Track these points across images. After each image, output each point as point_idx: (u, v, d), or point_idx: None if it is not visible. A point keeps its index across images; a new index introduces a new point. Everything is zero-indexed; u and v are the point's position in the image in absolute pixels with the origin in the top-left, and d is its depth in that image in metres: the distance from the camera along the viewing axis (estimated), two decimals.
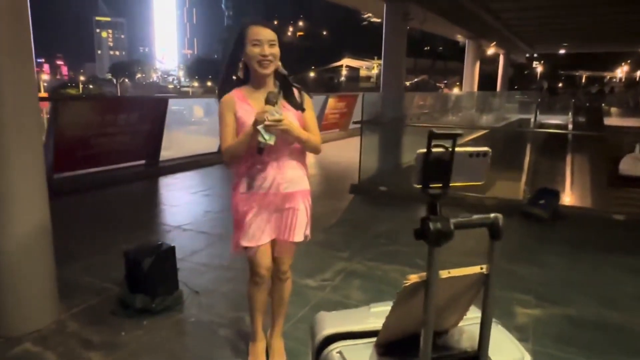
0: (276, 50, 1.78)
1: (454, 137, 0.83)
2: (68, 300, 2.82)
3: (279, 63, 1.82)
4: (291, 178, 1.91)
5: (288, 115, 1.81)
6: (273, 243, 2.00)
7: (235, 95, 1.85)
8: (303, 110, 1.88)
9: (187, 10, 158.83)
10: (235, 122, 1.84)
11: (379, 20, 9.01)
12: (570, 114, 19.88)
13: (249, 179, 1.90)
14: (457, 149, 0.85)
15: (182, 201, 5.57)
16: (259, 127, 1.67)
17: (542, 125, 18.30)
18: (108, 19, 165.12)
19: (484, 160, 0.89)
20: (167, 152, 7.95)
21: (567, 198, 6.02)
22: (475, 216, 0.93)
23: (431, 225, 0.87)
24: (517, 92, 29.98)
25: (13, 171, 2.35)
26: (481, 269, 0.98)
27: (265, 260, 1.99)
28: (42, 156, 2.55)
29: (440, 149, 0.86)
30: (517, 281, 3.22)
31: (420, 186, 0.89)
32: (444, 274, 0.93)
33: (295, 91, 1.90)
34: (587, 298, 3.03)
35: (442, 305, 0.97)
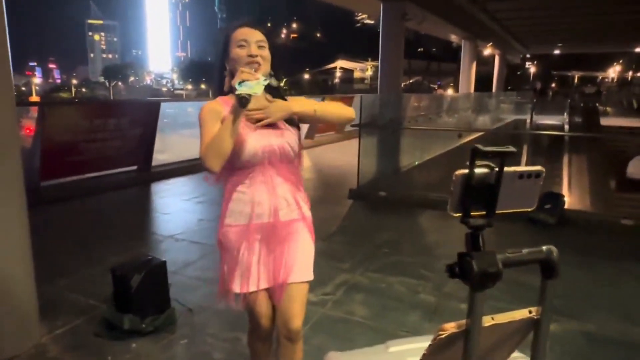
0: (266, 53, 1.49)
1: (503, 155, 0.65)
2: (49, 321, 2.62)
3: (270, 70, 1.51)
4: (291, 201, 1.54)
5: (279, 133, 1.50)
6: (274, 290, 1.55)
7: (220, 101, 1.52)
8: (298, 127, 1.57)
9: (180, 12, 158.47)
10: (219, 123, 1.45)
11: (372, 22, 8.85)
12: (565, 114, 19.85)
13: (237, 205, 1.50)
14: (506, 168, 0.68)
15: (175, 209, 5.37)
16: (237, 85, 1.32)
17: (538, 127, 18.27)
18: (100, 22, 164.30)
19: (536, 181, 0.72)
20: (162, 155, 7.76)
21: (572, 202, 5.87)
22: (526, 250, 0.76)
23: (474, 265, 0.70)
24: (512, 92, 29.96)
25: None
26: (530, 312, 0.81)
27: (265, 308, 1.57)
28: (20, 167, 2.36)
29: (485, 170, 0.68)
30: (527, 292, 3.05)
31: (459, 215, 0.71)
32: (487, 320, 0.76)
33: None
34: (605, 312, 2.87)
35: (482, 355, 0.80)
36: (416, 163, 7.95)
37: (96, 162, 6.09)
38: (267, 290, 1.55)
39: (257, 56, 1.46)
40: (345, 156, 5.95)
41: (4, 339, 2.30)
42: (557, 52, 28.42)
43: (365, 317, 2.76)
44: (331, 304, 2.90)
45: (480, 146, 0.64)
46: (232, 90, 1.45)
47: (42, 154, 5.36)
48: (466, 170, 0.67)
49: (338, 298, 2.99)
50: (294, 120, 1.55)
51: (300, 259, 1.54)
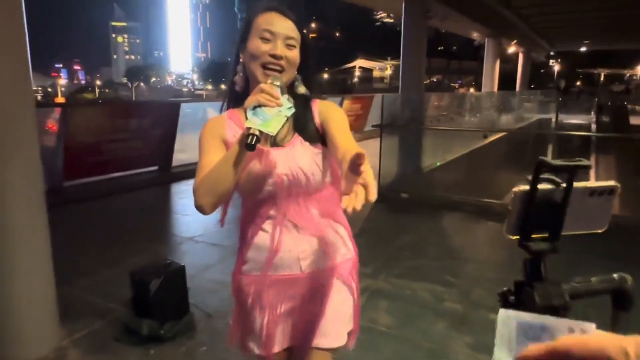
0: (295, 54, 1.13)
1: (573, 170, 0.56)
2: (70, 324, 2.60)
3: (296, 75, 1.17)
4: (319, 247, 1.17)
5: (299, 154, 1.13)
6: (296, 351, 1.26)
7: (226, 115, 1.20)
8: (323, 142, 1.16)
9: (200, 14, 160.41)
10: (222, 151, 1.12)
11: (392, 20, 8.72)
12: (592, 113, 19.26)
13: (251, 252, 1.19)
14: (575, 184, 0.58)
15: (194, 210, 5.27)
16: (249, 111, 1.00)
17: (563, 126, 17.77)
18: (124, 24, 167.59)
19: (609, 199, 0.62)
20: (183, 155, 7.78)
21: None
22: (595, 279, 0.66)
23: (537, 297, 0.60)
24: (536, 91, 29.28)
25: (7, 186, 2.13)
26: None
27: None
28: (40, 168, 2.33)
29: (549, 186, 0.59)
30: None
31: (518, 237, 0.62)
32: None
33: (315, 115, 1.18)
34: None
35: None
36: (438, 164, 7.79)
37: (117, 163, 6.12)
38: (289, 348, 1.27)
39: (282, 58, 1.10)
40: (366, 156, 5.82)
41: (25, 342, 2.28)
42: (583, 49, 27.64)
43: (390, 325, 2.66)
44: None
45: (546, 159, 0.55)
46: (243, 97, 1.13)
47: (65, 155, 5.41)
48: (527, 187, 0.57)
49: (361, 304, 2.89)
50: (313, 132, 1.15)
51: (330, 319, 1.19)
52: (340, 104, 10.94)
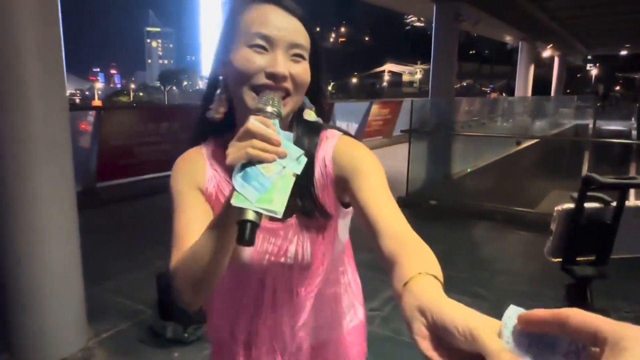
0: (303, 69, 0.74)
1: (624, 188, 0.49)
2: (97, 324, 2.64)
3: (304, 99, 0.78)
4: (325, 323, 0.93)
5: (300, 233, 0.80)
6: None
7: (207, 152, 0.85)
8: (329, 217, 0.80)
9: None
10: (202, 205, 0.81)
11: (422, 24, 8.59)
12: (633, 119, 18.46)
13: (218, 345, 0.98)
14: (626, 203, 0.52)
15: None
16: (236, 175, 0.60)
17: (601, 133, 17.08)
18: (158, 29, 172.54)
19: None
20: None
21: None
22: None
23: None
24: (572, 96, 28.32)
25: (40, 188, 2.18)
26: None
27: None
28: (71, 169, 2.38)
29: (597, 204, 0.53)
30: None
31: (561, 260, 0.56)
32: None
33: (317, 167, 0.78)
34: None
35: None
36: (469, 170, 7.60)
37: (149, 165, 6.25)
38: None
39: (285, 78, 0.71)
40: (394, 162, 5.73)
41: (54, 342, 2.32)
42: (623, 52, 26.57)
43: None
44: (379, 321, 2.75)
45: (594, 175, 0.49)
46: (228, 126, 0.80)
47: (99, 156, 5.57)
48: (572, 205, 0.52)
49: (386, 314, 2.83)
50: (310, 201, 0.77)
51: None
52: (369, 109, 10.86)
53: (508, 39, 16.14)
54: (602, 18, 12.81)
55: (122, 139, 5.89)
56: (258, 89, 0.71)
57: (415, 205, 5.46)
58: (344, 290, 0.94)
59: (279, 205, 0.58)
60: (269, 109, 0.65)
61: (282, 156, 0.60)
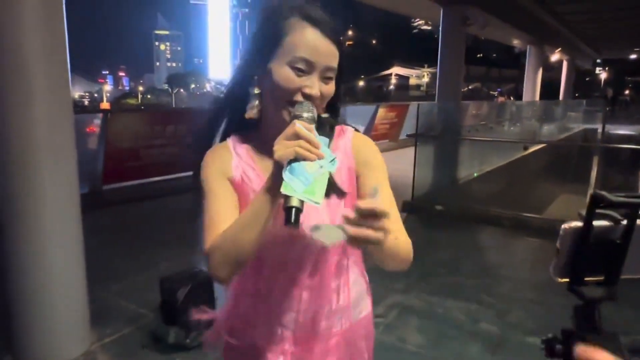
0: (331, 88, 0.87)
1: (635, 207, 0.47)
2: (100, 328, 2.64)
3: (323, 108, 0.89)
4: (336, 309, 0.98)
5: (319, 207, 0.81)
6: None
7: (234, 145, 0.94)
8: (343, 195, 0.89)
9: (240, 23, 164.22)
10: (231, 194, 0.91)
11: (430, 27, 8.55)
12: None
13: (241, 319, 1.00)
14: (638, 221, 0.49)
15: None
16: (285, 171, 0.72)
17: (611, 137, 16.89)
18: (166, 32, 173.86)
19: None
20: None
21: None
22: None
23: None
24: (581, 100, 28.09)
25: (44, 191, 2.18)
26: None
27: None
28: (76, 171, 2.37)
29: (606, 222, 0.51)
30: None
31: (567, 280, 0.54)
32: None
33: (337, 153, 0.88)
34: None
35: None
36: (475, 175, 7.55)
37: (155, 168, 6.27)
38: None
39: (318, 98, 0.84)
40: (400, 165, 5.68)
41: (57, 345, 2.32)
42: (633, 56, 26.33)
43: (420, 345, 2.55)
44: (383, 328, 2.72)
45: (603, 193, 0.47)
46: (256, 123, 0.92)
47: (105, 159, 5.60)
48: (580, 223, 0.49)
49: (390, 321, 2.80)
50: (335, 184, 0.86)
51: None
52: (375, 112, 10.83)
53: (516, 42, 16.06)
54: (612, 22, 12.70)
55: (129, 141, 5.92)
56: (293, 104, 0.83)
57: (421, 210, 5.42)
58: (359, 278, 1.03)
59: (319, 197, 0.71)
60: (306, 115, 0.78)
61: (321, 158, 0.72)
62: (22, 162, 2.12)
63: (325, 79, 0.85)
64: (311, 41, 0.83)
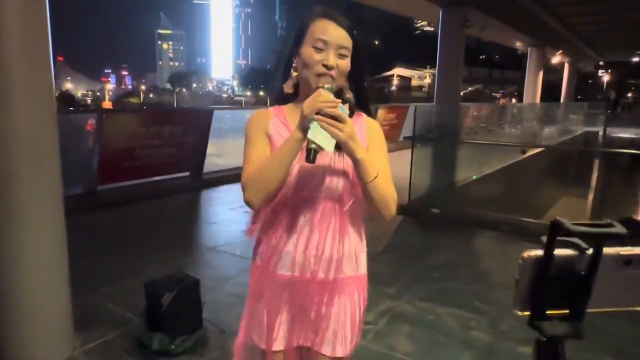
0: (346, 64, 1.16)
1: (601, 238, 0.42)
2: (85, 333, 2.59)
3: (345, 83, 1.18)
4: (335, 257, 1.20)
5: (336, 162, 1.17)
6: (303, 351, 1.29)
7: (273, 110, 1.26)
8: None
9: (242, 22, 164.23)
10: (267, 145, 1.20)
11: (432, 28, 8.49)
12: None
13: (268, 249, 1.24)
14: (604, 250, 0.45)
15: (221, 218, 5.34)
16: (312, 124, 1.03)
17: (612, 140, 16.79)
18: (169, 31, 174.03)
19: None
20: (219, 159, 7.86)
21: None
22: None
23: None
24: (582, 103, 27.96)
25: (26, 193, 2.14)
26: None
27: None
28: (59, 173, 2.32)
29: (570, 251, 0.46)
30: (600, 337, 2.64)
31: (528, 314, 0.49)
32: None
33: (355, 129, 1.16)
34: None
35: None
36: (474, 177, 7.49)
37: (150, 168, 6.23)
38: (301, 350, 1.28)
39: (333, 68, 1.13)
40: (397, 167, 5.56)
41: (37, 350, 2.28)
42: (635, 59, 26.21)
43: (409, 353, 2.49)
44: (372, 335, 2.67)
45: (563, 220, 0.42)
46: (292, 97, 1.25)
47: (100, 159, 5.55)
48: (540, 252, 0.45)
49: (380, 329, 2.75)
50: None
51: (336, 331, 1.23)
52: (375, 114, 10.77)
53: (517, 44, 15.99)
54: (614, 25, 12.63)
55: (124, 141, 5.87)
56: (317, 75, 1.14)
57: (418, 213, 5.37)
58: (355, 242, 1.26)
59: (330, 146, 1.02)
60: (327, 86, 1.08)
61: (337, 114, 1.02)
62: (2, 163, 2.08)
63: (340, 56, 1.15)
64: (325, 26, 1.15)
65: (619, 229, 0.42)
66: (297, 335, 1.25)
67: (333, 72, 1.13)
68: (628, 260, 0.46)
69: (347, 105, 1.07)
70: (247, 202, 1.13)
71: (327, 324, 1.22)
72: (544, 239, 0.44)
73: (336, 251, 1.20)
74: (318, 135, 1.01)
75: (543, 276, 0.45)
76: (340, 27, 1.16)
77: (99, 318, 2.81)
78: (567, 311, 0.48)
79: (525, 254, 0.45)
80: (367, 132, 1.23)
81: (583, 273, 0.45)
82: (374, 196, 1.12)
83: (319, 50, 1.14)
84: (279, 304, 1.24)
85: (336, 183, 1.17)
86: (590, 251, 0.46)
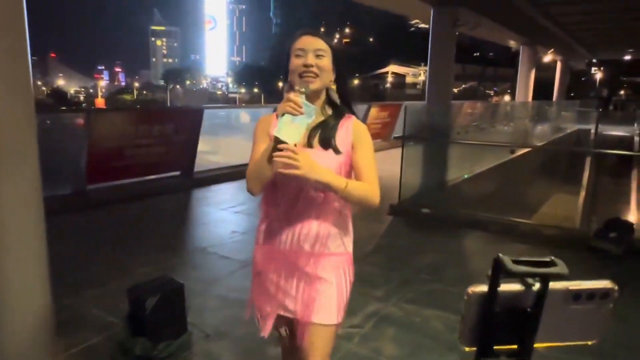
0: (325, 62, 1.37)
1: (545, 278, 0.41)
2: (68, 337, 2.57)
3: (331, 83, 1.42)
4: (319, 235, 1.42)
5: (319, 157, 1.35)
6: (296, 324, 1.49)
7: (275, 115, 1.44)
8: (338, 152, 1.40)
9: (237, 19, 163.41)
10: (267, 144, 1.39)
11: (427, 26, 8.49)
12: (636, 125, 18.26)
13: (267, 228, 1.49)
14: (552, 285, 0.43)
15: (211, 218, 5.32)
16: (279, 119, 1.26)
17: (604, 138, 16.86)
18: (163, 28, 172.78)
19: (602, 305, 0.46)
20: (214, 157, 7.80)
21: None
22: None
23: None
24: (575, 100, 28.08)
25: (2, 197, 2.10)
26: None
27: (283, 331, 1.56)
28: (38, 174, 2.27)
29: (517, 287, 0.44)
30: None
31: (474, 350, 0.47)
32: None
33: (341, 129, 1.42)
34: None
35: None
36: (465, 176, 7.49)
37: (140, 167, 6.18)
38: (291, 322, 1.51)
39: (312, 66, 1.35)
40: (389, 166, 5.53)
41: (16, 356, 2.25)
42: (627, 57, 26.33)
43: (394, 357, 2.50)
44: (358, 339, 2.66)
45: (505, 260, 0.40)
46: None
47: (89, 158, 5.49)
48: (485, 288, 0.43)
49: (366, 332, 2.74)
50: (329, 142, 1.40)
51: (321, 299, 1.42)
52: (367, 112, 10.75)
53: (510, 43, 16.01)
54: (605, 23, 12.67)
55: (113, 140, 5.81)
56: (301, 75, 1.36)
57: (408, 214, 5.37)
58: (340, 226, 1.46)
59: (290, 139, 1.22)
60: (299, 89, 1.29)
61: (301, 113, 1.24)
62: None
63: (318, 57, 1.36)
64: (302, 39, 1.39)
65: (561, 268, 0.41)
66: (289, 307, 1.45)
67: (313, 69, 1.35)
68: (577, 295, 0.45)
69: (320, 104, 1.41)
70: (249, 191, 1.40)
71: (316, 295, 1.41)
72: (489, 273, 0.43)
73: (322, 230, 1.41)
74: (282, 132, 1.22)
75: (489, 312, 0.44)
76: (315, 37, 1.39)
77: (83, 322, 2.78)
78: (515, 347, 0.47)
79: (470, 289, 0.44)
80: (353, 132, 1.42)
81: (529, 309, 0.44)
82: (351, 199, 1.36)
83: (299, 57, 1.37)
84: (280, 276, 1.45)
85: (308, 188, 1.38)
86: (537, 286, 0.44)
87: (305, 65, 1.34)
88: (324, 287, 1.42)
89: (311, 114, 1.25)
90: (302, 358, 1.46)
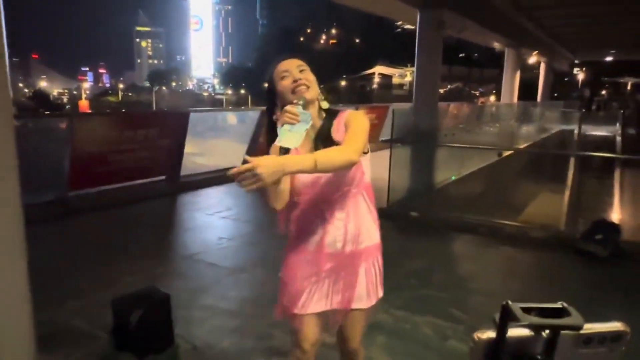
0: (310, 75, 1.49)
1: (556, 330, 0.38)
2: (49, 353, 2.48)
3: (319, 93, 1.52)
4: (367, 228, 1.57)
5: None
6: (333, 312, 1.60)
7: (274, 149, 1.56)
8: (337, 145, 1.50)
9: (222, 19, 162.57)
10: None
11: (413, 27, 8.52)
12: (618, 124, 18.60)
13: (312, 235, 1.54)
14: (563, 331, 0.40)
15: (197, 223, 5.24)
16: (279, 130, 1.38)
17: (587, 138, 17.13)
18: (148, 28, 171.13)
19: (615, 348, 0.44)
20: (201, 159, 7.70)
21: (633, 233, 5.24)
22: None
23: None
24: (559, 101, 28.50)
25: None
26: None
27: (312, 334, 1.63)
28: (17, 182, 2.18)
29: (525, 332, 0.41)
30: None
31: None
32: None
33: (339, 125, 1.52)
34: None
35: None
36: (453, 178, 7.52)
37: (124, 172, 6.07)
38: (323, 314, 1.60)
39: (301, 79, 1.46)
40: (377, 168, 5.46)
41: None
42: (609, 58, 26.83)
43: None
44: None
45: (514, 307, 0.37)
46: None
47: (71, 164, 5.37)
48: (492, 334, 0.40)
49: None
50: (327, 143, 1.48)
51: (364, 288, 1.58)
52: None
53: (495, 45, 16.18)
54: (587, 26, 12.88)
55: (97, 145, 5.69)
56: (293, 91, 1.45)
57: (396, 217, 5.36)
58: (368, 218, 1.57)
59: (290, 145, 1.33)
60: (296, 100, 1.42)
61: (298, 120, 1.35)
62: None
63: (301, 71, 1.48)
64: (283, 62, 1.51)
65: (574, 319, 0.38)
66: (335, 298, 1.56)
67: (302, 82, 1.46)
68: (588, 340, 0.42)
69: (316, 113, 1.51)
70: (272, 210, 1.48)
71: (366, 282, 1.58)
72: (496, 318, 0.39)
73: (368, 224, 1.56)
74: (282, 140, 1.34)
75: (497, 358, 0.41)
76: (291, 58, 1.53)
77: (65, 336, 2.70)
78: None
79: (477, 335, 0.41)
80: (346, 120, 1.51)
81: (539, 357, 0.41)
82: (329, 170, 1.39)
83: (285, 77, 1.48)
84: (328, 275, 1.55)
85: (338, 176, 1.48)
86: (546, 332, 0.41)
87: (295, 80, 1.45)
88: (365, 280, 1.58)
89: (308, 120, 1.36)
90: (343, 337, 1.68)
